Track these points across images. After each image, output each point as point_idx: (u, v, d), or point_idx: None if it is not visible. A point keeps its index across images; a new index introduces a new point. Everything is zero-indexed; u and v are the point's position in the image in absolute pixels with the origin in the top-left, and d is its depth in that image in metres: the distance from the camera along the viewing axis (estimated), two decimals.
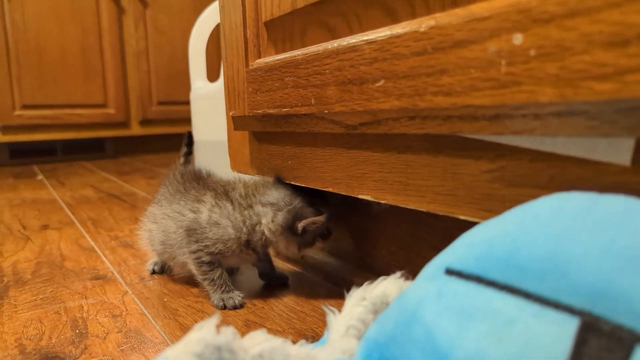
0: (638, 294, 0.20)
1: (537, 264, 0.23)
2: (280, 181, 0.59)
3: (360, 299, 0.32)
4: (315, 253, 0.68)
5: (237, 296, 0.55)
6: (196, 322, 0.50)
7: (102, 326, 0.50)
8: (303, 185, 0.52)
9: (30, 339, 0.47)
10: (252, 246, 0.55)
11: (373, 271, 0.59)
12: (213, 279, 0.55)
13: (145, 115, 2.43)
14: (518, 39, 0.26)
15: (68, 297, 0.58)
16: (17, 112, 2.12)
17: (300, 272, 0.66)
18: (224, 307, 0.54)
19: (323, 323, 0.49)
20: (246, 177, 0.61)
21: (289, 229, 0.53)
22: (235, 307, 0.54)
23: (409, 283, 0.33)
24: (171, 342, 0.46)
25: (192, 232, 0.55)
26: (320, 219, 0.53)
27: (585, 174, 0.27)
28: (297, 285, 0.61)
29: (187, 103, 0.98)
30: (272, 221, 0.53)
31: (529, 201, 0.27)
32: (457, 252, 0.27)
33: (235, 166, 0.65)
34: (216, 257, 0.55)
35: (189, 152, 0.70)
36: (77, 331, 0.49)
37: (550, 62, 0.25)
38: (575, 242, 0.23)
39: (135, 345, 0.45)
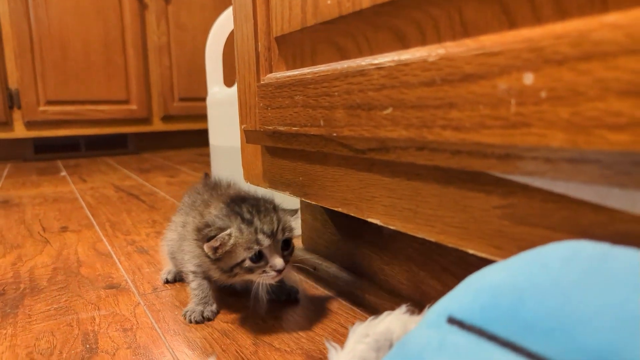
0: None
1: (543, 320, 0.22)
2: (235, 198, 0.54)
3: (364, 336, 0.31)
4: (329, 266, 0.67)
5: (207, 310, 0.55)
6: (205, 338, 0.51)
7: (113, 341, 0.50)
8: (314, 202, 0.52)
9: (41, 354, 0.48)
10: None
11: (385, 288, 0.58)
12: (193, 288, 0.56)
13: (166, 111, 2.46)
14: (529, 78, 0.25)
15: (81, 308, 0.59)
16: (42, 108, 2.17)
17: (313, 286, 0.66)
18: (190, 321, 0.54)
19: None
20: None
21: (206, 254, 0.50)
22: (196, 322, 0.54)
23: (413, 319, 0.32)
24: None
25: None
26: (223, 236, 0.48)
27: (599, 219, 0.26)
28: (309, 301, 0.61)
29: None
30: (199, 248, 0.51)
31: (540, 246, 0.26)
32: (461, 299, 0.26)
33: (248, 177, 0.65)
34: (199, 270, 0.56)
35: None
36: (88, 346, 0.49)
37: (562, 106, 0.23)
38: (584, 300, 0.21)
39: None
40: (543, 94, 0.24)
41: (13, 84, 2.10)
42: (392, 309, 0.54)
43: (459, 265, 0.47)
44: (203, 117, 2.53)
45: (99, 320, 0.56)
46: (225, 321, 0.55)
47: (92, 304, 0.60)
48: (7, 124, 2.11)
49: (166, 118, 2.48)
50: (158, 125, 2.47)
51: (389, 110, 0.34)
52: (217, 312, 0.56)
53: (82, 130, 2.29)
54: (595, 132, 0.22)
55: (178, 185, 1.52)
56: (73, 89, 2.23)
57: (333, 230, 0.68)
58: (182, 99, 2.50)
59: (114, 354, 0.48)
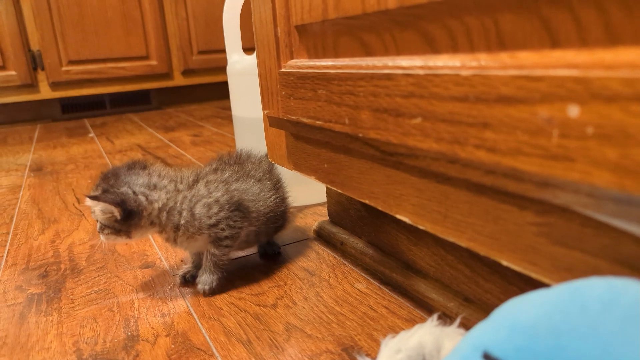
0: None
1: None
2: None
3: (396, 352, 0.32)
4: (355, 242, 0.68)
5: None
6: (239, 324, 0.52)
7: (152, 328, 0.53)
8: (340, 191, 0.51)
9: (87, 343, 0.50)
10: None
11: (412, 268, 0.58)
12: None
13: (186, 65, 2.43)
14: (574, 111, 0.23)
15: (120, 291, 0.61)
16: (65, 68, 2.17)
17: (340, 262, 0.67)
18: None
19: (362, 329, 0.50)
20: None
21: None
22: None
23: (445, 332, 0.32)
24: (216, 349, 0.48)
25: None
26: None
27: None
28: (337, 279, 0.62)
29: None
30: None
31: (578, 280, 0.25)
32: (497, 334, 0.26)
33: (273, 157, 0.65)
34: None
35: None
36: (129, 334, 0.52)
37: (610, 146, 0.22)
38: (624, 352, 0.21)
39: (182, 354, 0.48)
40: (589, 130, 0.22)
41: (35, 45, 2.09)
42: (419, 290, 0.55)
43: None
44: (223, 69, 2.50)
45: (137, 304, 0.58)
46: (257, 303, 0.57)
47: (130, 285, 0.63)
48: (33, 86, 2.13)
49: (186, 72, 2.46)
50: (179, 80, 2.45)
51: (418, 120, 0.33)
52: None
53: (106, 88, 2.29)
54: None
55: (203, 145, 1.53)
56: (93, 47, 2.21)
57: (358, 205, 0.68)
58: (201, 52, 2.46)
59: (154, 342, 0.50)
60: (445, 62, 0.30)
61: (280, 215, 0.66)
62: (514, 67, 0.26)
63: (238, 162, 0.64)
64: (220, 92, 2.62)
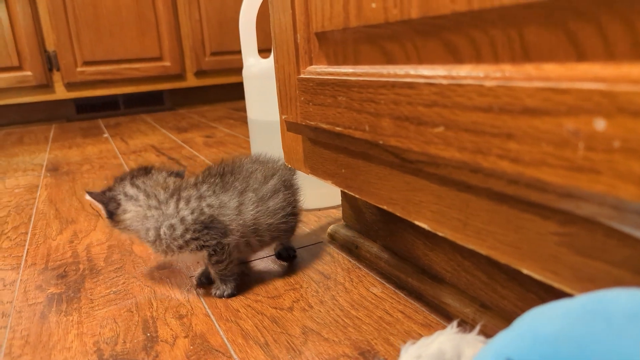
0: None
1: None
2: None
3: (416, 357, 0.32)
4: (370, 246, 0.68)
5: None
6: (256, 326, 0.53)
7: (171, 329, 0.53)
8: (358, 196, 0.51)
9: (107, 343, 0.51)
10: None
11: (428, 273, 0.58)
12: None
13: (199, 66, 2.45)
14: (600, 124, 0.23)
15: (138, 291, 0.62)
16: (79, 69, 2.20)
17: (355, 265, 0.67)
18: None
19: (378, 333, 0.50)
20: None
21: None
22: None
23: (465, 339, 0.33)
24: (234, 352, 0.49)
25: None
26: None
27: None
28: (352, 283, 0.62)
29: (240, 52, 0.96)
30: None
31: (602, 291, 0.25)
32: (520, 343, 0.26)
33: (289, 161, 0.65)
34: None
35: None
36: (148, 335, 0.52)
37: (636, 160, 0.22)
38: None
39: (201, 355, 0.48)
40: (616, 143, 0.22)
41: (50, 46, 2.12)
42: (435, 295, 0.55)
43: None
44: (236, 70, 2.52)
45: (156, 305, 0.59)
46: (274, 306, 0.57)
47: (147, 286, 0.64)
48: (49, 86, 2.16)
49: (199, 73, 2.47)
50: (192, 81, 2.47)
51: (441, 129, 0.33)
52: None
53: (120, 89, 2.31)
54: None
55: (216, 146, 1.54)
56: (108, 48, 2.23)
57: (374, 210, 0.68)
58: (213, 54, 2.47)
59: (173, 343, 0.51)
60: (468, 72, 0.31)
61: (269, 227, 0.61)
62: (540, 79, 0.26)
63: (222, 173, 0.60)
64: (232, 93, 2.64)
